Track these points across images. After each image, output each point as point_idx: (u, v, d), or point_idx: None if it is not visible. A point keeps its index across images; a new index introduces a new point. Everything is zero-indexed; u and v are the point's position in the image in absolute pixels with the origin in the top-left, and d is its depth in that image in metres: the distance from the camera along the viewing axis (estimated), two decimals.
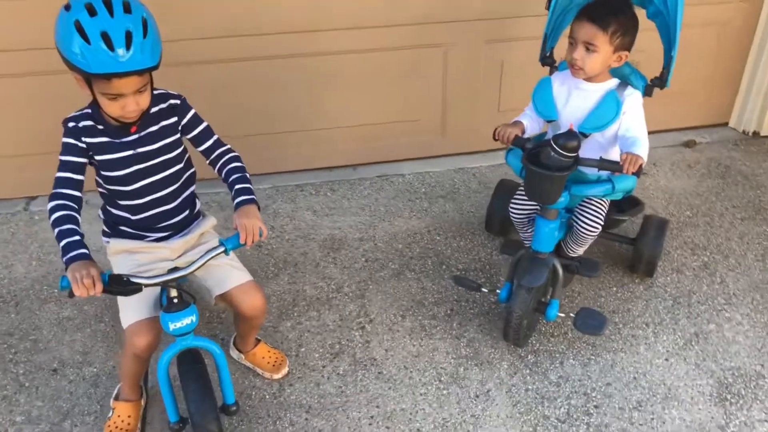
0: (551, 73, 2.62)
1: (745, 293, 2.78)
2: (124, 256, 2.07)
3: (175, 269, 1.96)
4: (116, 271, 2.03)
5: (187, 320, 1.86)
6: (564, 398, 2.31)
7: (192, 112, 2.04)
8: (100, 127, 1.91)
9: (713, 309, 2.70)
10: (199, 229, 2.14)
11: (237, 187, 1.98)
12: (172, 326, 1.86)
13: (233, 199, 1.97)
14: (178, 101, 2.01)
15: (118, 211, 2.05)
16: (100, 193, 2.07)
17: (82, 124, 1.90)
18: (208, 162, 2.09)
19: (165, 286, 1.85)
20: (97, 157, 1.93)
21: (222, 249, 1.87)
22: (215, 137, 2.08)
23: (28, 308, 2.67)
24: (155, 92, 1.95)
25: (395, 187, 3.50)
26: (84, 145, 1.90)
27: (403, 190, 3.47)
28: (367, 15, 3.25)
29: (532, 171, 2.18)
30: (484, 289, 2.56)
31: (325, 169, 3.63)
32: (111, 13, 1.72)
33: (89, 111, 1.92)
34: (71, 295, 1.69)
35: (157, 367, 1.91)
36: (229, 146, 2.10)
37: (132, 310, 1.96)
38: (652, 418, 2.24)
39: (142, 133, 1.94)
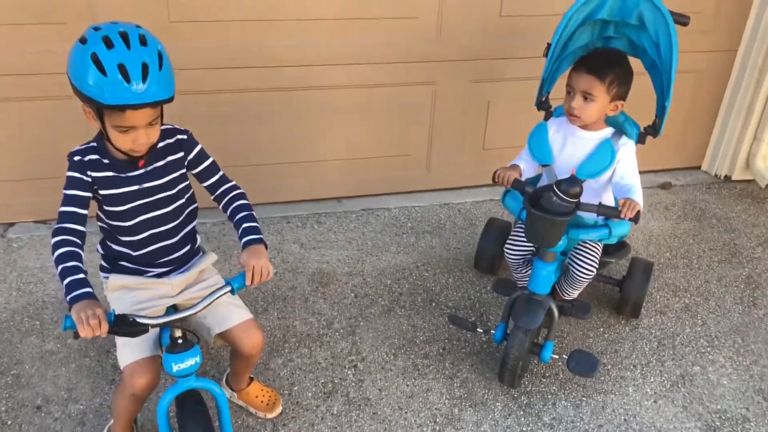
0: (546, 117, 2.68)
1: (727, 336, 2.85)
2: (123, 292, 2.02)
3: (175, 308, 1.92)
4: (115, 308, 1.98)
5: (191, 361, 1.82)
6: None
7: (198, 147, 2.02)
8: (106, 161, 1.87)
9: (697, 351, 2.76)
10: (199, 266, 2.11)
11: (244, 226, 1.96)
12: (175, 367, 1.81)
13: (240, 237, 1.95)
14: (185, 136, 1.99)
15: (118, 247, 2.00)
16: (101, 227, 2.02)
17: (87, 158, 1.87)
18: (212, 198, 2.07)
19: (170, 326, 1.81)
20: (102, 192, 1.88)
21: (228, 289, 1.84)
22: (221, 173, 2.06)
23: (9, 341, 2.57)
24: (163, 127, 1.93)
25: (381, 221, 3.50)
26: (89, 179, 1.86)
27: (390, 224, 3.48)
28: (358, 52, 3.28)
29: (533, 215, 2.21)
30: (479, 329, 2.57)
31: (311, 201, 3.62)
32: (128, 46, 1.70)
33: (95, 144, 1.88)
34: (76, 336, 1.64)
35: (158, 409, 1.86)
36: (234, 182, 2.08)
37: (131, 348, 1.91)
38: None
39: (149, 168, 1.91)
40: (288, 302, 2.88)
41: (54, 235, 1.82)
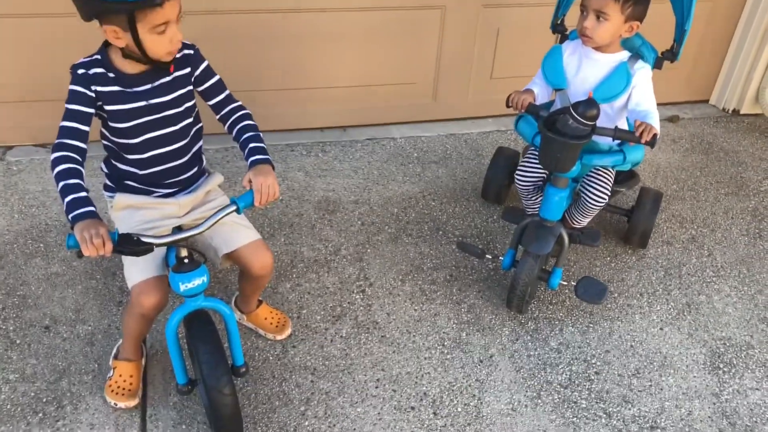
0: (562, 41, 2.60)
1: (732, 266, 2.86)
2: (129, 212, 1.98)
3: (181, 228, 1.89)
4: (120, 227, 1.95)
5: (198, 281, 1.80)
6: (565, 365, 2.35)
7: (205, 63, 1.94)
8: (112, 75, 1.80)
9: (703, 281, 2.77)
10: (206, 186, 2.07)
11: (251, 145, 1.90)
12: (183, 287, 1.79)
13: (246, 157, 1.90)
14: (192, 51, 1.91)
15: (124, 166, 1.95)
16: (105, 145, 1.96)
17: (92, 71, 1.79)
18: (218, 117, 2.00)
19: (176, 246, 1.78)
20: (107, 107, 1.82)
21: (234, 208, 1.79)
22: (227, 92, 1.99)
23: (13, 263, 2.55)
24: None
25: (387, 151, 3.45)
26: (93, 94, 1.79)
27: (395, 154, 3.43)
28: None
29: (549, 138, 2.17)
30: (488, 256, 2.56)
31: (314, 129, 3.55)
32: None
33: (99, 57, 1.80)
34: (80, 255, 1.61)
35: (166, 329, 1.85)
36: (240, 102, 2.01)
37: (138, 268, 1.88)
38: (650, 385, 2.30)
39: (156, 83, 1.84)
40: (294, 228, 2.85)
41: (54, 150, 1.75)
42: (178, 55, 1.86)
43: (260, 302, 2.36)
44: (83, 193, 1.69)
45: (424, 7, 3.33)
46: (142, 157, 1.91)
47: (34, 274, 2.51)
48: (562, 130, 2.15)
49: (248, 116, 1.99)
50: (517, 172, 2.58)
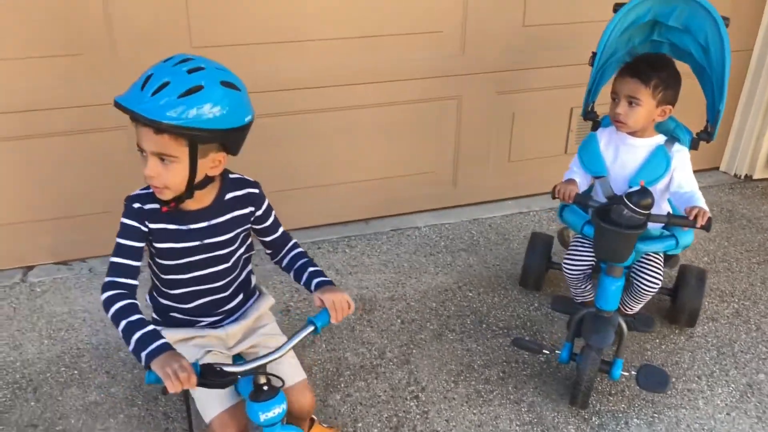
0: (594, 127, 2.62)
1: None
2: (180, 345, 1.87)
3: (240, 356, 1.81)
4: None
5: (278, 409, 1.70)
6: None
7: (267, 201, 1.88)
8: (167, 211, 1.73)
9: (758, 357, 2.70)
10: (255, 312, 1.97)
11: (311, 269, 1.86)
12: (263, 416, 1.68)
13: (310, 279, 1.84)
14: (257, 190, 1.85)
15: (166, 301, 1.87)
16: (152, 277, 1.89)
17: (147, 206, 1.72)
18: (269, 251, 1.95)
19: (257, 373, 1.69)
20: (158, 245, 1.74)
21: (311, 328, 1.72)
22: (282, 228, 1.94)
23: (49, 394, 2.42)
24: (232, 176, 1.81)
25: (413, 241, 3.41)
26: (146, 230, 1.72)
27: (422, 244, 3.38)
28: (382, 69, 3.19)
29: (604, 229, 2.13)
30: (545, 351, 2.48)
31: (337, 224, 3.51)
32: (172, 64, 1.57)
33: (152, 190, 1.73)
34: (165, 392, 1.51)
35: None
36: (294, 239, 1.97)
37: (215, 400, 1.79)
38: None
39: (213, 222, 1.77)
40: (334, 333, 2.76)
41: (106, 289, 1.67)
42: (240, 193, 1.80)
43: (312, 421, 2.23)
44: (149, 327, 1.61)
45: (441, 98, 3.36)
46: (189, 290, 1.83)
47: (71, 405, 2.38)
48: (617, 221, 2.11)
49: (299, 246, 1.95)
50: (566, 260, 2.54)
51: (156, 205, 1.72)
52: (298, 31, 2.99)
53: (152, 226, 1.72)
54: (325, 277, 1.84)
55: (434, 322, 2.85)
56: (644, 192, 2.09)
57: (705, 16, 2.35)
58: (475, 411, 2.42)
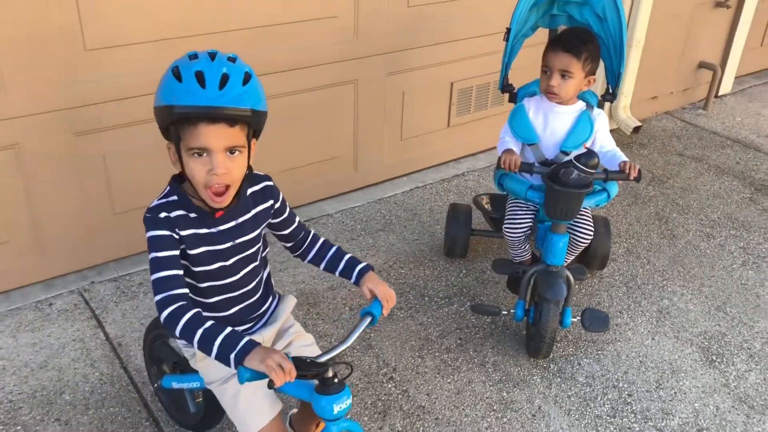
0: (511, 99, 2.79)
1: (671, 268, 3.23)
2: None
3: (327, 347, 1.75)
4: (210, 376, 1.79)
5: (349, 400, 1.66)
6: (601, 395, 2.50)
7: (281, 194, 1.81)
8: (193, 215, 1.62)
9: (657, 287, 3.10)
10: (283, 314, 1.92)
11: (347, 257, 1.83)
12: (337, 408, 1.63)
13: (348, 269, 1.81)
14: (271, 182, 1.78)
15: (204, 313, 1.74)
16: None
17: (174, 214, 1.60)
18: (289, 245, 1.88)
19: (335, 364, 1.64)
20: (191, 252, 1.63)
21: (370, 319, 1.71)
22: (298, 218, 1.88)
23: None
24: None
25: (330, 228, 3.40)
26: (178, 237, 1.61)
27: (340, 230, 3.39)
28: (279, 60, 3.11)
29: (558, 192, 2.32)
30: (504, 312, 2.64)
31: None
32: (212, 59, 1.51)
33: (176, 198, 1.62)
34: (271, 386, 1.47)
35: None
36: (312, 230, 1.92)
37: (260, 410, 1.75)
38: (675, 392, 2.53)
39: (239, 220, 1.69)
40: None
41: (163, 307, 1.55)
42: (258, 187, 1.72)
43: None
44: (228, 329, 1.53)
45: (339, 83, 3.36)
46: (223, 298, 1.75)
47: None
48: (568, 182, 2.31)
49: (319, 236, 1.90)
50: (506, 225, 2.70)
51: (182, 212, 1.61)
52: (193, 26, 2.82)
53: (183, 233, 1.61)
54: (361, 262, 1.81)
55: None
56: (590, 153, 2.30)
57: None
58: (448, 380, 2.53)
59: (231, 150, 1.54)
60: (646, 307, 2.97)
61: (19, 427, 2.22)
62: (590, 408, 2.44)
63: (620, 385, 2.55)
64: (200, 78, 1.46)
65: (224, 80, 1.48)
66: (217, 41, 2.88)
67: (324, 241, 1.88)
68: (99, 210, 2.87)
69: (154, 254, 1.58)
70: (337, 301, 2.89)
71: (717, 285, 3.12)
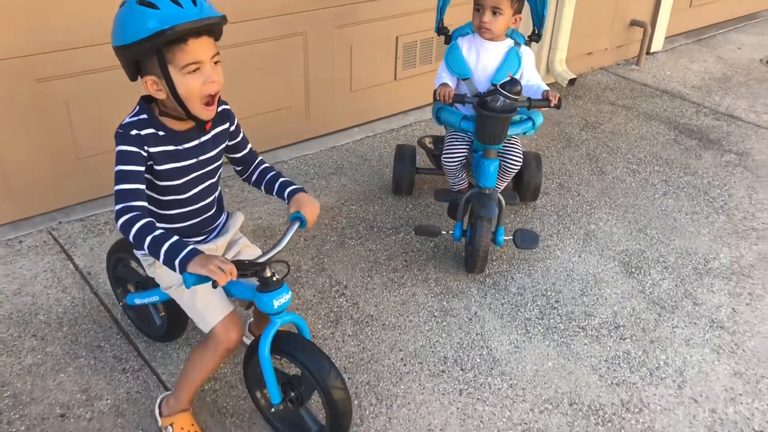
0: (446, 41, 3.04)
1: (599, 198, 3.54)
2: None
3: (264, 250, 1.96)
4: (167, 280, 1.99)
5: (288, 295, 1.89)
6: (531, 302, 2.78)
7: (236, 119, 2.01)
8: (162, 133, 1.81)
9: (585, 215, 3.40)
10: (233, 227, 2.13)
11: (282, 180, 2.03)
12: (276, 303, 1.86)
13: (281, 189, 2.01)
14: (227, 106, 1.97)
15: (162, 224, 1.92)
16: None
17: (144, 131, 1.79)
18: (239, 168, 2.09)
19: (269, 264, 1.86)
20: (158, 167, 1.82)
21: (299, 222, 1.94)
22: (250, 144, 2.08)
23: None
24: None
25: (285, 173, 3.59)
26: (146, 154, 1.79)
27: (294, 174, 3.62)
28: (231, 11, 3.29)
29: (486, 116, 2.58)
30: (443, 232, 2.91)
31: None
32: None
33: (146, 117, 1.80)
34: (215, 285, 1.68)
35: (260, 351, 1.89)
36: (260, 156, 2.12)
37: (217, 306, 1.95)
38: (597, 298, 2.83)
39: (202, 140, 1.89)
40: None
41: (121, 214, 1.74)
42: (219, 110, 1.90)
43: None
44: (174, 238, 1.72)
45: (288, 35, 3.56)
46: (187, 209, 1.95)
47: (9, 372, 2.30)
48: (495, 107, 2.58)
49: (265, 162, 2.10)
50: (444, 156, 2.96)
51: (151, 130, 1.80)
52: None
53: (152, 150, 1.79)
54: (295, 185, 2.03)
55: (332, 234, 3.14)
56: (513, 81, 2.57)
57: None
58: (395, 294, 2.79)
59: (215, 60, 1.75)
60: (574, 231, 3.27)
61: None
62: (521, 312, 2.73)
63: (548, 294, 2.84)
64: (174, 0, 1.65)
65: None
66: None
67: (267, 166, 2.08)
68: (63, 155, 3.04)
69: (120, 167, 1.76)
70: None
71: (639, 212, 3.44)
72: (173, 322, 2.36)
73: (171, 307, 2.31)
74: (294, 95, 3.76)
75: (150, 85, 1.75)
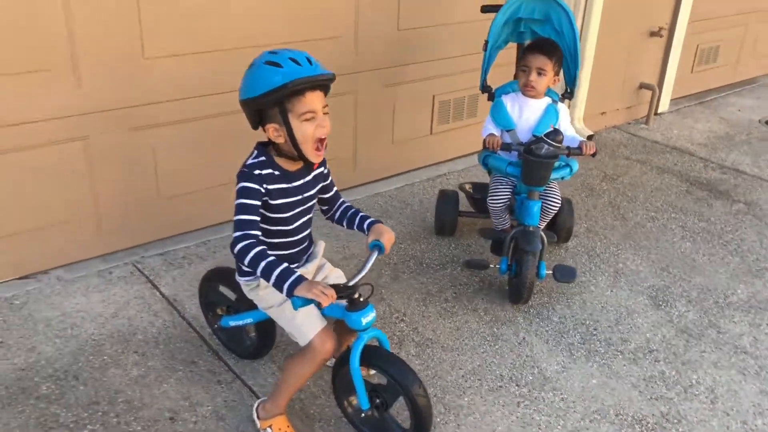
0: (490, 98, 3.44)
1: (624, 241, 3.88)
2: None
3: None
4: (268, 302, 2.31)
5: (372, 314, 2.21)
6: (572, 330, 3.09)
7: (327, 164, 2.35)
8: (277, 173, 2.16)
9: (613, 255, 3.74)
10: (319, 254, 2.45)
11: (361, 214, 2.38)
12: (364, 320, 2.17)
13: (360, 222, 2.36)
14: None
15: (270, 250, 2.17)
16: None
17: (265, 171, 2.13)
18: (324, 208, 2.43)
19: (359, 287, 2.18)
20: (272, 202, 2.15)
21: (378, 249, 2.27)
22: (335, 187, 2.42)
23: (92, 378, 2.59)
24: None
25: None
26: (264, 191, 2.12)
27: None
28: None
29: (532, 161, 2.95)
30: (491, 266, 3.24)
31: None
32: (290, 49, 2.08)
33: (264, 158, 2.14)
34: (320, 306, 2.00)
35: (351, 362, 2.19)
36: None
37: (314, 321, 2.24)
38: (630, 327, 3.14)
39: (306, 179, 2.23)
40: None
41: (239, 241, 2.05)
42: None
43: None
44: (284, 265, 2.04)
45: (342, 93, 3.96)
46: (287, 240, 2.29)
47: (119, 382, 2.59)
48: (540, 154, 2.95)
49: (346, 201, 2.45)
50: (490, 199, 3.31)
51: (269, 170, 2.14)
52: (226, 43, 3.39)
53: (269, 187, 2.13)
54: (372, 218, 2.37)
55: (387, 269, 3.46)
56: (556, 131, 2.95)
57: (558, 9, 3.28)
58: (449, 321, 3.10)
59: (325, 111, 2.12)
60: (604, 269, 3.60)
61: (105, 357, 2.71)
62: (564, 338, 3.03)
63: (587, 322, 3.15)
64: (295, 61, 2.02)
65: (308, 59, 2.06)
66: (246, 55, 3.46)
67: (348, 204, 2.43)
68: (147, 196, 3.39)
69: (242, 201, 2.09)
70: (351, 267, 3.44)
71: (661, 253, 3.78)
72: (262, 341, 2.66)
73: (261, 327, 2.62)
74: (343, 146, 4.14)
75: (271, 132, 2.10)
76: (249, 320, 2.58)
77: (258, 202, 2.12)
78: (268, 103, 2.06)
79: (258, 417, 2.40)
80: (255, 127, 2.15)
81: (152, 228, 3.46)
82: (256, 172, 2.13)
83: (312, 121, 2.10)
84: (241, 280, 2.37)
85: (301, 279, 2.02)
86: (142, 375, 2.63)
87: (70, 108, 3.02)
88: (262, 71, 2.05)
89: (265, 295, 2.33)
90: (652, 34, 5.62)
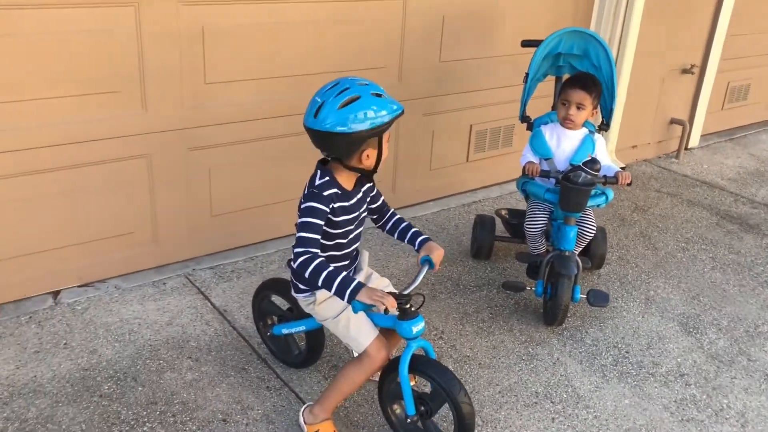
0: (529, 128, 3.60)
1: (655, 269, 3.99)
2: (332, 298, 2.40)
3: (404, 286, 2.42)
4: (323, 312, 2.46)
5: (422, 323, 2.35)
6: (605, 352, 3.19)
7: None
8: (339, 192, 2.32)
9: (644, 282, 3.84)
10: (366, 263, 2.61)
11: (413, 230, 2.53)
12: (415, 329, 2.31)
13: (412, 237, 2.50)
14: None
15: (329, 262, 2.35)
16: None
17: (333, 191, 2.30)
18: (374, 217, 2.59)
19: (413, 296, 2.32)
20: (335, 218, 2.32)
21: (428, 263, 2.42)
22: (383, 197, 2.58)
23: (149, 380, 2.75)
24: None
25: (376, 237, 4.12)
26: (329, 210, 2.29)
27: (385, 238, 4.10)
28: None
29: (570, 188, 3.09)
30: (528, 288, 3.36)
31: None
32: (366, 83, 2.25)
33: (328, 179, 2.31)
34: (386, 312, 2.16)
35: (400, 369, 2.33)
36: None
37: (368, 330, 2.38)
38: (662, 351, 3.23)
39: (358, 196, 2.40)
40: None
41: (299, 256, 2.20)
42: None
43: None
44: (344, 273, 2.19)
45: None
46: (347, 251, 2.45)
47: (175, 384, 2.74)
48: (578, 181, 3.09)
49: (397, 213, 2.60)
50: (527, 224, 3.45)
51: (335, 190, 2.30)
52: (278, 71, 3.60)
53: (334, 205, 2.30)
54: (424, 235, 2.52)
55: (425, 289, 3.60)
56: (594, 160, 3.09)
57: (597, 45, 3.45)
58: (486, 340, 3.22)
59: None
60: (636, 296, 3.70)
61: (161, 361, 2.87)
62: (597, 360, 3.14)
63: (619, 345, 3.25)
64: (378, 94, 2.22)
65: (383, 93, 2.25)
66: (298, 82, 3.68)
67: (399, 218, 2.57)
68: (200, 212, 3.58)
69: (307, 219, 2.24)
70: (394, 282, 3.57)
71: (692, 282, 3.87)
72: (311, 351, 2.81)
73: (312, 338, 2.77)
74: (383, 171, 4.25)
75: (365, 156, 2.26)
76: (302, 328, 2.73)
77: (322, 222, 2.28)
78: (372, 132, 2.20)
79: (305, 422, 2.53)
80: (349, 156, 2.26)
81: (204, 243, 3.65)
82: (326, 192, 2.29)
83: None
84: (299, 297, 2.51)
85: (361, 285, 2.17)
86: (196, 379, 2.79)
87: (135, 127, 3.24)
88: (372, 102, 2.19)
89: (321, 310, 2.48)
90: (684, 71, 5.75)
